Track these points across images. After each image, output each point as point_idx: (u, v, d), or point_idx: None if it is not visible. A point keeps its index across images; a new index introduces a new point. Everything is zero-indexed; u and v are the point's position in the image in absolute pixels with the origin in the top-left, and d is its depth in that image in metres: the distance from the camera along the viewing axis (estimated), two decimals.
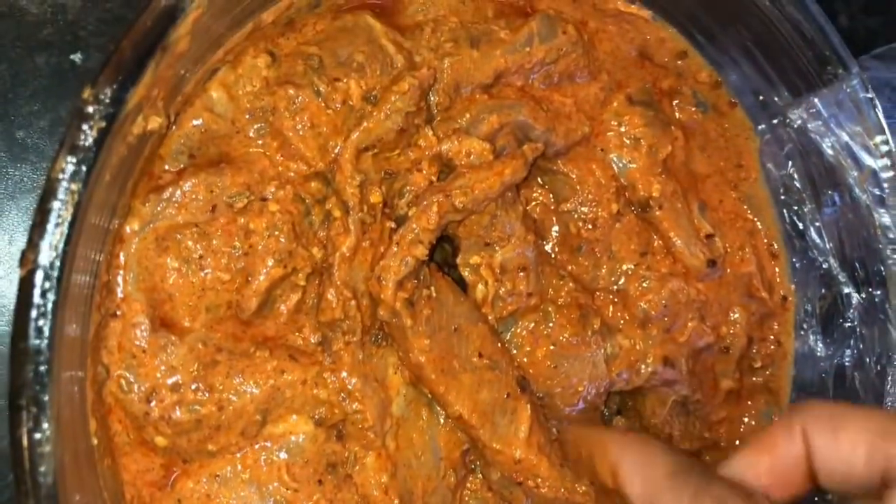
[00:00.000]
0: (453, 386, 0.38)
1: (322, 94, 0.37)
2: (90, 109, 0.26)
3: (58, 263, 0.26)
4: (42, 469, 0.25)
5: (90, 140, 0.26)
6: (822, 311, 0.47)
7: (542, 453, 0.39)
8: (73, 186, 0.26)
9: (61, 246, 0.26)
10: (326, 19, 0.39)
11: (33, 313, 0.26)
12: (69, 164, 0.26)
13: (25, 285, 0.25)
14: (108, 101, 0.27)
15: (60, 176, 0.26)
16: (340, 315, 0.36)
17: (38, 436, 0.26)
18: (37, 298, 0.26)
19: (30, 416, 0.25)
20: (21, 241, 0.44)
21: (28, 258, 0.25)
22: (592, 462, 0.34)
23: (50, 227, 0.26)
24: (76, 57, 0.46)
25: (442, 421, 0.39)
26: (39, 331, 0.26)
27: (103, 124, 0.26)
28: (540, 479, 0.39)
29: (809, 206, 0.46)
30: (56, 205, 0.26)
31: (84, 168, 0.26)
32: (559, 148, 0.43)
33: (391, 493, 0.37)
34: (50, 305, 0.26)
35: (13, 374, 0.25)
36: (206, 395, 0.35)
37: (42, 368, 0.26)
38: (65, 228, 0.26)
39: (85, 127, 0.26)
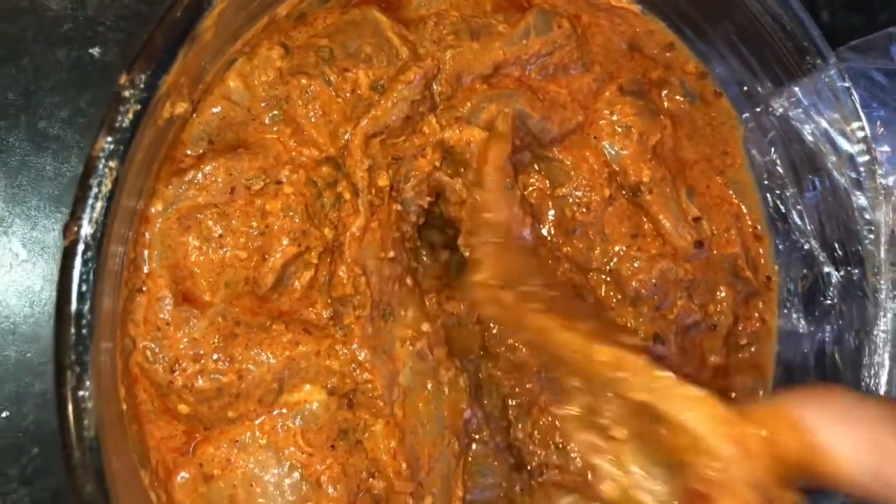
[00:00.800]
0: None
1: (332, 84, 0.40)
2: (126, 94, 0.29)
3: (98, 235, 0.28)
4: (86, 423, 0.28)
5: (127, 122, 0.29)
6: (803, 290, 0.49)
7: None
8: (112, 164, 0.28)
9: (101, 219, 0.28)
10: (336, 13, 0.41)
11: (76, 280, 0.28)
12: (108, 143, 0.28)
13: (69, 254, 0.28)
14: (142, 86, 0.29)
15: (100, 154, 0.28)
16: (351, 291, 0.39)
17: (81, 393, 0.28)
18: (79, 266, 0.28)
19: (74, 374, 0.28)
20: (43, 227, 0.47)
21: (71, 229, 0.28)
22: None
23: (91, 201, 0.28)
24: (95, 51, 0.48)
25: (446, 391, 0.41)
26: (82, 296, 0.28)
27: (138, 107, 0.29)
28: None
29: (791, 190, 0.48)
30: (96, 181, 0.28)
31: (121, 147, 0.28)
32: (554, 136, 0.46)
33: (399, 457, 0.39)
34: (91, 273, 0.28)
35: (58, 336, 0.27)
36: (227, 364, 0.37)
37: (84, 331, 0.28)
38: (104, 202, 0.28)
39: (122, 109, 0.29)
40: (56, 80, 0.47)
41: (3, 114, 0.46)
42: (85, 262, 0.28)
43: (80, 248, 0.28)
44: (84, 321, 0.28)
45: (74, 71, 0.48)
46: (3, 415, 0.45)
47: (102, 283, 0.29)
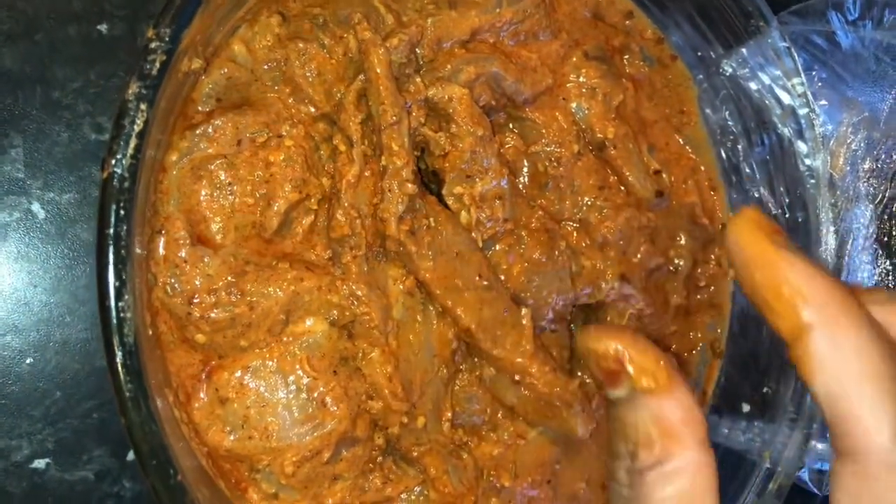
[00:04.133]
0: (459, 302, 0.45)
1: (326, 47, 0.44)
2: (153, 45, 0.33)
3: (133, 169, 0.32)
4: (126, 330, 0.32)
5: (154, 69, 0.33)
6: None
7: (535, 358, 0.46)
8: (142, 106, 0.33)
9: (135, 153, 0.32)
10: None
11: (114, 206, 0.32)
12: (139, 87, 0.33)
13: (108, 184, 0.32)
14: (167, 39, 0.33)
15: (132, 97, 0.32)
16: (348, 231, 0.43)
17: (121, 304, 0.32)
18: (117, 194, 0.32)
19: (115, 288, 0.32)
20: (59, 188, 0.51)
21: (108, 163, 0.32)
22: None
23: (125, 137, 0.32)
24: (102, 27, 0.52)
25: (434, 324, 0.46)
26: (120, 220, 0.32)
27: (164, 58, 0.33)
28: (535, 379, 0.46)
29: (742, 143, 0.53)
30: (129, 120, 0.32)
31: (150, 91, 0.33)
32: (527, 97, 0.50)
33: (395, 381, 0.44)
34: (127, 201, 0.32)
35: (99, 255, 0.32)
36: (239, 297, 0.41)
37: (123, 252, 0.32)
38: (137, 139, 0.32)
39: (150, 59, 0.33)
40: (68, 54, 0.51)
41: (20, 85, 0.50)
42: (122, 191, 0.32)
43: (118, 178, 0.32)
44: (122, 243, 0.32)
45: (84, 45, 0.52)
46: (28, 361, 0.49)
47: (133, 214, 0.33)
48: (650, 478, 0.28)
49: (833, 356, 0.26)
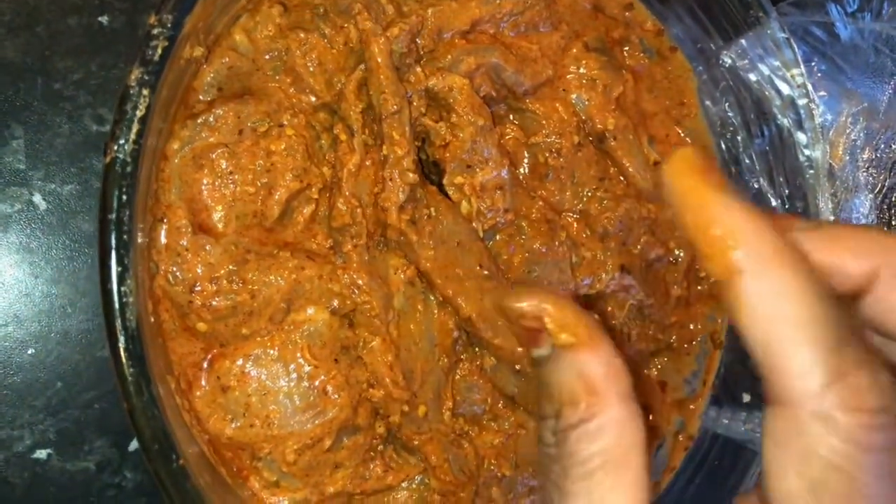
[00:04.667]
0: (459, 291, 0.45)
1: (327, 37, 0.44)
2: (156, 31, 0.33)
3: (135, 154, 0.32)
4: (128, 314, 0.32)
5: (157, 55, 0.33)
6: None
7: None
8: (144, 92, 0.33)
9: (137, 138, 0.32)
10: None
11: (116, 191, 0.32)
12: (141, 73, 0.33)
13: (110, 169, 0.32)
14: (169, 25, 0.33)
15: (134, 83, 0.33)
16: (349, 220, 0.43)
17: (124, 288, 0.32)
18: (119, 179, 0.32)
19: (117, 273, 0.32)
20: (60, 180, 0.51)
21: (111, 147, 0.32)
22: None
23: (127, 122, 0.32)
24: (103, 19, 0.52)
25: (435, 313, 0.46)
26: (121, 204, 0.32)
27: (166, 43, 0.33)
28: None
29: (742, 134, 0.54)
30: (131, 105, 0.33)
31: (152, 77, 0.33)
32: (527, 88, 0.50)
33: (395, 370, 0.44)
34: (129, 186, 0.32)
35: (102, 240, 0.32)
36: (240, 285, 0.41)
37: (125, 237, 0.32)
38: (139, 125, 0.32)
39: (152, 45, 0.33)
40: (69, 46, 0.51)
41: (22, 76, 0.50)
42: (124, 176, 0.32)
43: (119, 163, 0.32)
44: (125, 227, 0.32)
45: (85, 37, 0.52)
46: (29, 352, 0.49)
47: (136, 199, 0.33)
48: (574, 436, 0.27)
49: (764, 300, 0.26)
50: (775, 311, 0.26)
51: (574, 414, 0.27)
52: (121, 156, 0.32)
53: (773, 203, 0.52)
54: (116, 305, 0.32)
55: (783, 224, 0.28)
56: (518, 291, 0.29)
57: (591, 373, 0.27)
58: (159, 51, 0.33)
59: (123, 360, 0.32)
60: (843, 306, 0.28)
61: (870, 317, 0.29)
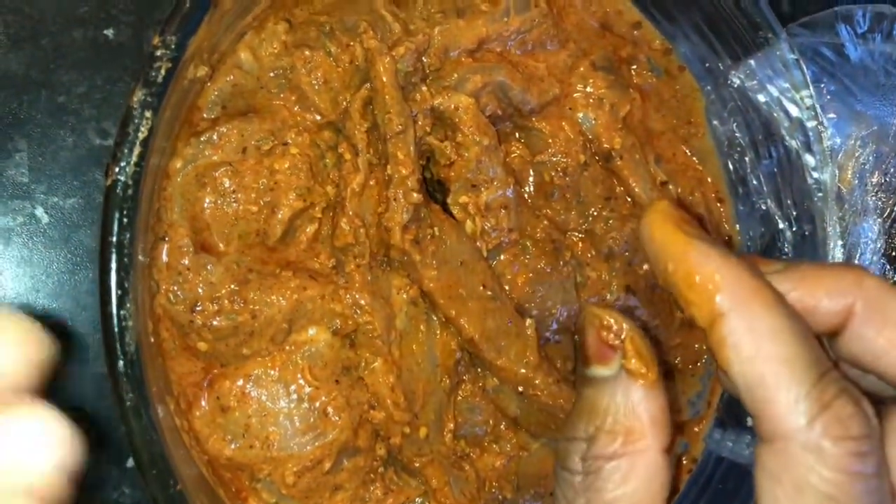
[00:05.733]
0: (463, 311, 0.45)
1: (333, 55, 0.44)
2: (159, 52, 0.33)
3: (137, 176, 0.32)
4: (127, 338, 0.32)
5: (160, 77, 0.33)
6: (762, 247, 0.54)
7: (540, 369, 0.46)
8: (147, 113, 0.32)
9: (139, 161, 0.32)
10: None
11: (117, 214, 0.32)
12: (144, 94, 0.32)
13: (111, 191, 0.32)
14: (173, 46, 0.33)
15: (136, 104, 0.32)
16: (352, 240, 0.43)
17: (123, 312, 0.32)
18: (120, 202, 0.32)
19: (117, 296, 0.32)
20: (63, 193, 0.50)
21: (112, 170, 0.32)
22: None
23: (129, 145, 0.32)
24: (109, 32, 0.52)
25: (438, 334, 0.46)
26: (122, 228, 0.32)
27: (169, 65, 0.33)
28: (539, 391, 0.46)
29: (750, 155, 0.53)
30: (133, 128, 0.32)
31: (155, 99, 0.33)
32: (533, 106, 0.50)
33: (397, 391, 0.43)
34: (130, 209, 0.32)
35: (102, 263, 0.31)
36: (242, 305, 0.41)
37: (126, 260, 0.32)
38: (141, 147, 0.32)
39: (155, 66, 0.33)
40: (74, 59, 0.51)
41: (26, 89, 0.50)
42: (125, 199, 0.32)
43: (121, 186, 0.32)
44: (125, 250, 0.32)
45: (90, 50, 0.51)
46: None
47: (138, 219, 0.33)
48: (606, 471, 0.28)
49: (747, 340, 0.27)
50: (758, 351, 0.26)
51: (610, 444, 0.28)
52: (122, 178, 0.32)
53: (781, 225, 0.52)
54: (116, 329, 0.31)
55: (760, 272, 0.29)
56: (609, 308, 0.29)
57: (644, 411, 0.28)
58: (163, 72, 0.33)
59: (122, 383, 0.32)
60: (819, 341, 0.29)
61: (847, 352, 0.30)
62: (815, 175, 0.50)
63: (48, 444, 0.20)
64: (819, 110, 0.49)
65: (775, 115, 0.51)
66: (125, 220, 0.32)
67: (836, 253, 0.48)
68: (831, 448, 0.26)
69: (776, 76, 0.50)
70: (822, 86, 0.51)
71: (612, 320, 0.29)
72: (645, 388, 0.28)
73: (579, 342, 0.30)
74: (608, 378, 0.29)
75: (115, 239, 0.32)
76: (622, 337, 0.29)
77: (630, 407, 0.28)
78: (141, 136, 0.32)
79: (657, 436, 0.28)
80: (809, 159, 0.50)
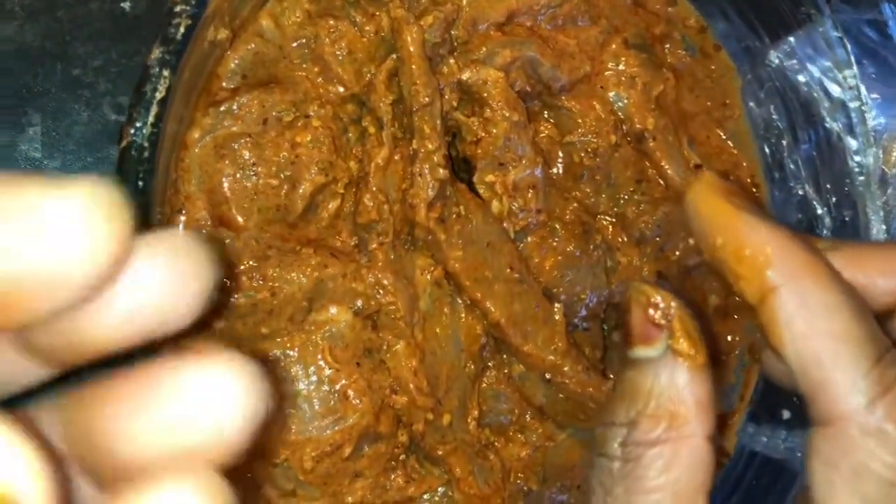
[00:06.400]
0: (488, 294, 0.43)
1: (358, 25, 0.42)
2: (178, 9, 0.31)
3: (153, 138, 0.30)
4: None
5: (179, 34, 0.31)
6: None
7: (568, 356, 0.44)
8: (165, 72, 0.31)
9: (156, 122, 0.31)
10: None
11: (133, 178, 0.30)
12: (162, 52, 0.31)
13: (126, 154, 0.30)
14: (193, 2, 0.31)
15: (154, 63, 0.31)
16: (376, 217, 0.41)
17: None
18: (135, 165, 0.30)
19: None
20: (76, 169, 0.49)
21: (127, 131, 0.30)
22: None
23: (146, 105, 0.30)
24: (125, 5, 0.50)
25: (462, 317, 0.44)
26: (138, 191, 0.30)
27: (189, 22, 0.31)
28: (567, 378, 0.44)
29: (787, 139, 0.51)
30: (150, 87, 0.31)
31: (173, 57, 0.31)
32: (563, 84, 0.48)
33: (420, 375, 0.42)
34: (146, 173, 0.30)
35: None
36: (261, 282, 0.39)
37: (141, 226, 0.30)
38: (158, 107, 0.30)
39: (174, 23, 0.31)
40: (90, 32, 0.50)
41: (40, 61, 0.49)
42: (141, 161, 0.30)
43: (136, 148, 0.30)
44: (140, 218, 0.30)
45: (106, 23, 0.50)
46: None
47: (153, 187, 0.31)
48: (648, 457, 0.26)
49: (801, 316, 0.26)
50: (813, 327, 0.25)
51: (653, 429, 0.26)
52: (138, 140, 0.30)
53: (819, 211, 0.50)
54: None
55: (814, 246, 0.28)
56: (657, 285, 0.28)
57: (695, 393, 0.26)
58: (182, 29, 0.31)
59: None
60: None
61: None
62: (857, 158, 0.47)
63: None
64: (863, 90, 0.47)
65: (815, 95, 0.48)
66: (140, 184, 0.30)
67: (880, 238, 0.46)
68: (895, 432, 0.24)
69: (818, 55, 0.48)
70: (865, 65, 0.49)
71: (659, 298, 0.27)
72: (692, 370, 0.27)
73: (622, 321, 0.28)
74: (652, 359, 0.27)
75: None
76: (670, 316, 0.27)
77: (675, 390, 0.27)
78: (158, 95, 0.31)
79: (703, 422, 0.27)
80: (851, 142, 0.48)
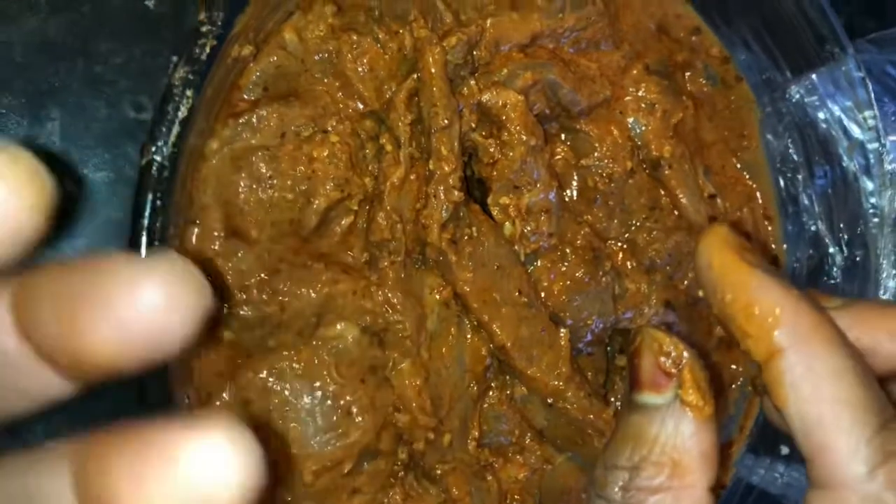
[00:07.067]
0: (496, 317, 0.43)
1: (381, 42, 0.42)
2: (204, 29, 0.31)
3: (174, 157, 0.31)
4: None
5: (204, 54, 0.31)
6: (809, 270, 0.52)
7: (571, 381, 0.44)
8: (188, 92, 0.31)
9: (177, 141, 0.31)
10: None
11: (150, 196, 0.30)
12: (186, 72, 0.31)
13: (146, 172, 0.30)
14: (219, 23, 0.32)
15: (178, 82, 0.31)
16: (388, 235, 0.41)
17: None
18: (154, 184, 0.30)
19: None
20: (93, 166, 0.49)
21: (148, 149, 0.30)
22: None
23: (168, 124, 0.31)
24: (149, 3, 0.50)
25: (469, 338, 0.44)
26: (154, 210, 0.30)
27: (214, 42, 0.31)
28: (569, 404, 0.44)
29: (803, 174, 0.51)
30: (173, 106, 0.31)
31: (198, 77, 0.31)
32: (582, 108, 0.48)
33: (424, 395, 0.42)
34: (165, 191, 0.31)
35: (132, 246, 0.30)
36: (271, 295, 0.39)
37: (156, 245, 0.31)
38: (180, 127, 0.31)
39: (200, 43, 0.31)
40: (112, 29, 0.50)
41: (62, 56, 0.49)
42: (160, 181, 0.30)
43: (157, 166, 0.30)
44: (156, 235, 0.30)
45: (130, 20, 0.50)
46: None
47: (172, 202, 0.32)
48: None
49: (807, 379, 0.26)
50: (817, 392, 0.25)
51: (656, 476, 0.26)
52: (158, 159, 0.31)
53: (831, 249, 0.50)
54: None
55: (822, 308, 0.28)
56: (668, 332, 0.28)
57: (700, 444, 0.27)
58: (207, 50, 0.31)
59: (145, 377, 0.30)
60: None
61: None
62: (873, 200, 0.47)
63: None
64: (882, 131, 0.47)
65: (834, 133, 0.48)
66: (159, 202, 0.30)
67: (889, 283, 0.46)
68: (894, 500, 0.24)
69: (839, 93, 0.48)
70: (885, 105, 0.49)
71: (672, 347, 0.27)
72: (698, 421, 0.27)
73: (631, 365, 0.28)
74: (659, 406, 0.27)
75: (146, 222, 0.30)
76: (681, 365, 0.27)
77: (680, 440, 0.27)
78: (181, 115, 0.31)
79: (705, 473, 0.27)
80: (868, 183, 0.47)
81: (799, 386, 0.26)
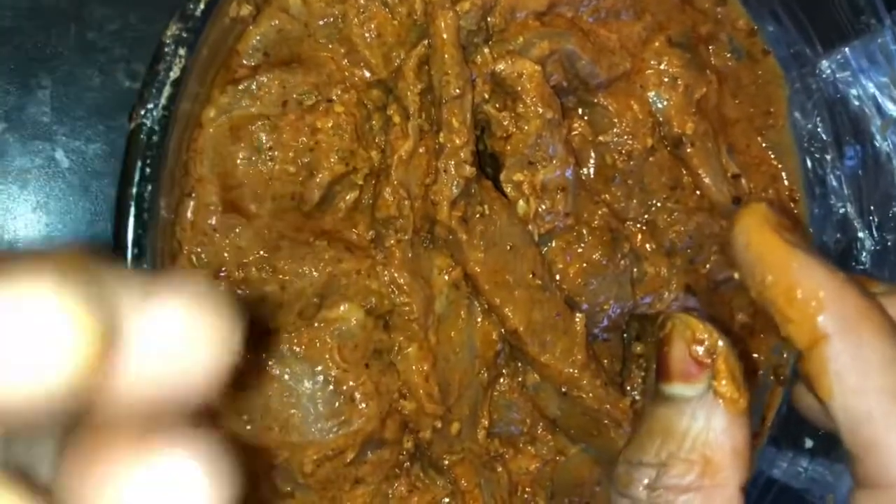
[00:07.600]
0: (508, 300, 0.41)
1: (389, 6, 0.40)
2: None
3: (164, 121, 0.28)
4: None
5: (199, 11, 0.29)
6: (836, 255, 0.49)
7: (587, 369, 0.42)
8: (181, 51, 0.29)
9: (168, 104, 0.28)
10: None
11: (139, 162, 0.28)
12: (179, 30, 0.28)
13: (134, 136, 0.28)
14: None
15: (169, 40, 0.28)
16: (395, 212, 0.39)
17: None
18: (143, 149, 0.28)
19: (133, 254, 0.28)
20: (86, 137, 0.47)
21: (137, 112, 0.28)
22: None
23: (158, 85, 0.28)
24: None
25: (479, 322, 0.42)
26: (144, 177, 0.28)
27: None
28: (584, 392, 0.42)
29: (832, 154, 0.48)
30: (164, 66, 0.28)
31: (191, 35, 0.29)
32: (601, 81, 0.46)
33: (431, 381, 0.40)
34: (155, 157, 0.28)
35: (119, 216, 0.28)
36: (271, 274, 0.37)
37: (145, 215, 0.28)
38: (172, 88, 0.28)
39: None
40: None
41: (54, 22, 0.46)
42: (149, 146, 0.28)
43: (146, 131, 0.28)
44: (146, 205, 0.28)
45: None
46: None
47: (162, 173, 0.29)
48: None
49: (854, 369, 0.24)
50: (866, 383, 0.24)
51: (685, 473, 0.24)
52: (147, 122, 0.28)
53: (860, 233, 0.47)
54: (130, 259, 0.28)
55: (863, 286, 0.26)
56: (702, 319, 0.26)
57: (733, 439, 0.25)
58: (202, 5, 0.29)
59: None
60: None
61: None
62: None
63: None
64: None
65: (867, 111, 0.46)
66: (148, 169, 0.28)
67: None
68: None
69: (873, 68, 0.45)
70: None
71: (706, 334, 0.25)
72: (732, 415, 0.25)
73: (660, 354, 0.26)
74: (690, 398, 0.25)
75: (135, 190, 0.28)
76: (714, 354, 0.25)
77: (712, 435, 0.25)
78: (172, 76, 0.28)
79: (737, 470, 0.25)
80: None
81: (845, 376, 0.24)
